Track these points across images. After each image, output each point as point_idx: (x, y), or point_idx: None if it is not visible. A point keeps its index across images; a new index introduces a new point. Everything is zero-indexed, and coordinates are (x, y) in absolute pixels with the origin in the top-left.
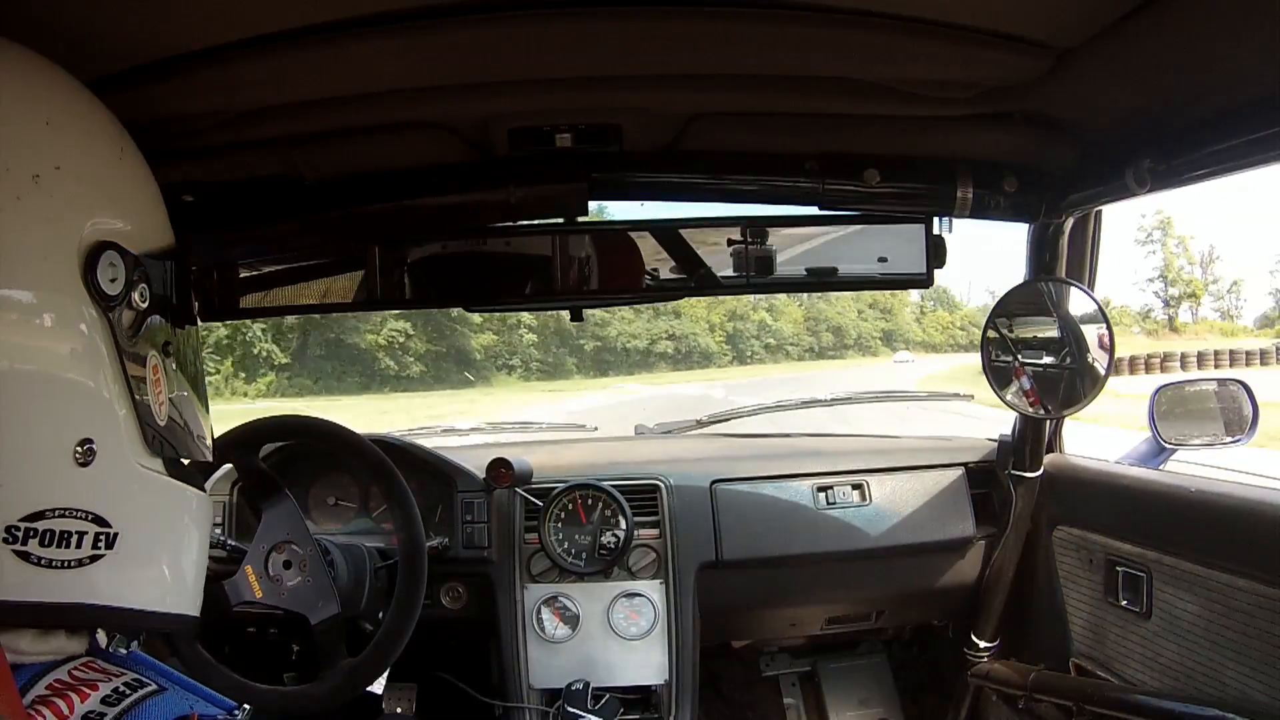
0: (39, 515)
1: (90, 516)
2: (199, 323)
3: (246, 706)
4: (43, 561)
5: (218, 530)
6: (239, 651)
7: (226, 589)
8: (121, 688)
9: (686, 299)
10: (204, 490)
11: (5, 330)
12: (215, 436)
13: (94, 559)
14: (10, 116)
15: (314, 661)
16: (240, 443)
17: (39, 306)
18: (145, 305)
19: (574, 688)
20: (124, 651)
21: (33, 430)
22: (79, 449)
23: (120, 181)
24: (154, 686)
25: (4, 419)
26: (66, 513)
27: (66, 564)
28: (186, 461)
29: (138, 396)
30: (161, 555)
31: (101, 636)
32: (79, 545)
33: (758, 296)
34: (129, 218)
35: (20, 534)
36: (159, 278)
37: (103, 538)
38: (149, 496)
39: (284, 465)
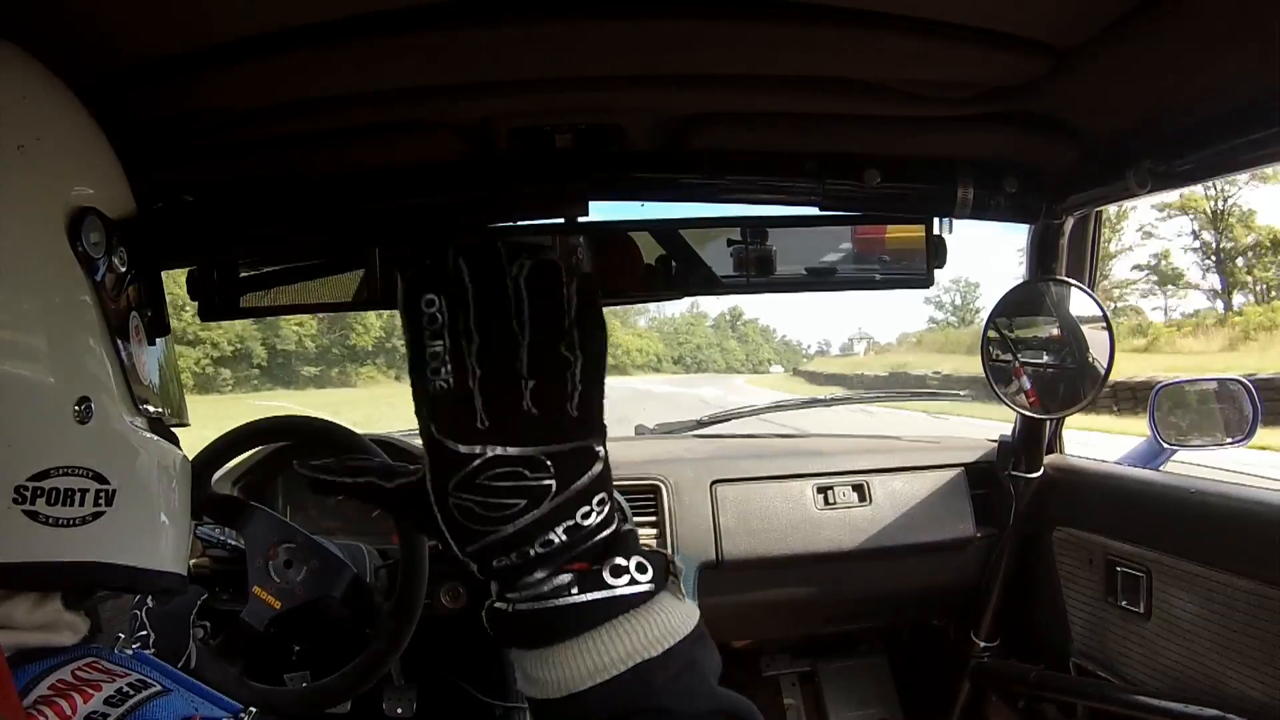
0: (45, 474)
1: (90, 474)
2: (202, 321)
3: (253, 709)
4: (50, 520)
5: (217, 531)
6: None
7: (248, 619)
8: (125, 688)
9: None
10: (182, 451)
11: (7, 292)
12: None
13: (95, 516)
14: None
15: (325, 657)
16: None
17: (34, 270)
18: (124, 269)
19: None
20: (129, 652)
21: (36, 390)
22: (78, 407)
23: (91, 152)
24: (158, 688)
25: (8, 381)
26: (69, 470)
27: (71, 522)
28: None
29: (123, 355)
30: (153, 512)
31: (103, 638)
32: (81, 503)
33: None
34: (102, 186)
35: (29, 493)
36: (134, 243)
37: (103, 495)
38: (139, 453)
39: (283, 465)
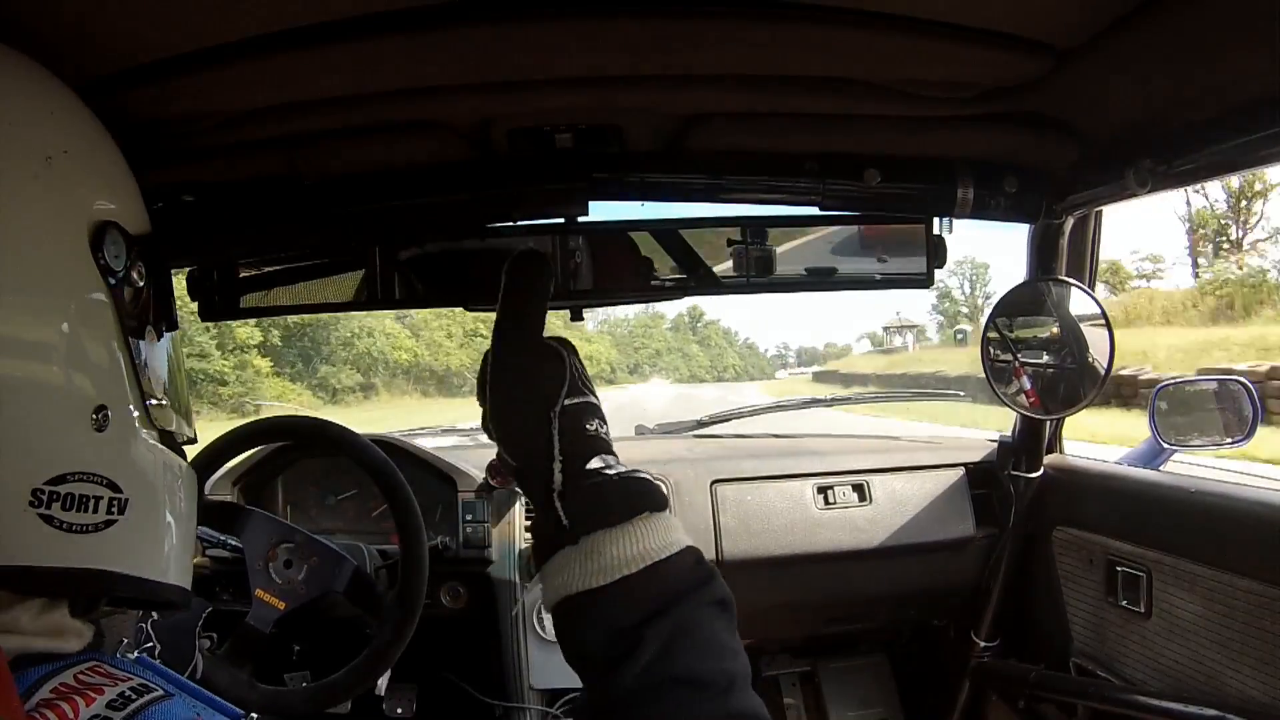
0: (61, 479)
1: (105, 481)
2: (202, 321)
3: (254, 716)
4: (64, 525)
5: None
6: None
7: (253, 622)
8: (128, 692)
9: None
10: (186, 461)
11: (31, 300)
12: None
13: (108, 524)
14: (18, 104)
15: (325, 656)
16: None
17: (58, 280)
18: (141, 283)
19: None
20: (131, 657)
21: (56, 396)
22: (95, 415)
23: (111, 168)
24: (161, 692)
25: (30, 385)
26: (85, 477)
27: (85, 528)
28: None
29: (139, 367)
30: (161, 523)
31: (105, 644)
32: (95, 509)
33: None
34: (121, 202)
35: (45, 497)
36: (150, 258)
37: (116, 503)
38: (149, 464)
39: (283, 465)
